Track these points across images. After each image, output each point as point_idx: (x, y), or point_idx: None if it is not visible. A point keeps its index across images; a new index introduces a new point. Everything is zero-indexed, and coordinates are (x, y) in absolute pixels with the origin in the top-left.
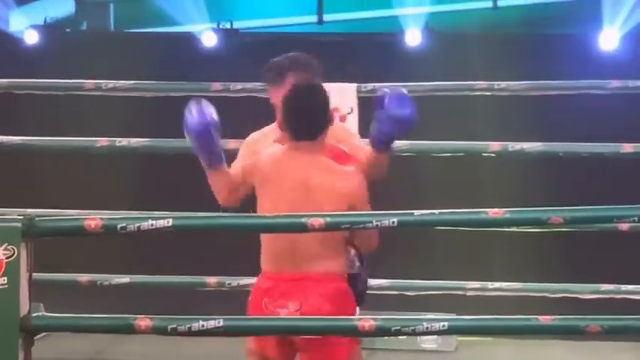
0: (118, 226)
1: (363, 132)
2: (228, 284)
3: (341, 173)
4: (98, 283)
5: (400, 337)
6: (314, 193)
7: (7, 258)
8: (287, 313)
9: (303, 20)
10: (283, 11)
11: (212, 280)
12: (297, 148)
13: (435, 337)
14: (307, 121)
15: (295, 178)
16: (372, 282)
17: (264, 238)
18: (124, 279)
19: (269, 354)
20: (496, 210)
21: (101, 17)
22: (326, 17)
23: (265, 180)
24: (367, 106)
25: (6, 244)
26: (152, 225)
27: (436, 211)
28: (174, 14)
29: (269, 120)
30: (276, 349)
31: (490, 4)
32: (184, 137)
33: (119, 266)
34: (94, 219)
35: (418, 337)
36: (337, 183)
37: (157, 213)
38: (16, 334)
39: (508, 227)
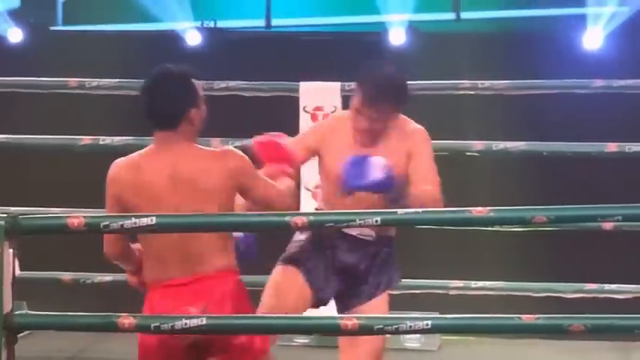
0: (101, 224)
1: None
2: None
3: (211, 154)
4: (81, 281)
5: None
6: (186, 184)
7: None
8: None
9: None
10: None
11: None
12: (159, 141)
13: (418, 335)
14: (161, 107)
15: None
16: None
17: (147, 246)
18: (107, 277)
19: None
20: (480, 209)
21: (48, 11)
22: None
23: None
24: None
25: None
26: (135, 223)
27: (419, 210)
28: (148, 10)
29: (253, 118)
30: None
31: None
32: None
33: (102, 264)
34: (77, 217)
35: (401, 336)
36: (211, 166)
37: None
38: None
39: (492, 226)
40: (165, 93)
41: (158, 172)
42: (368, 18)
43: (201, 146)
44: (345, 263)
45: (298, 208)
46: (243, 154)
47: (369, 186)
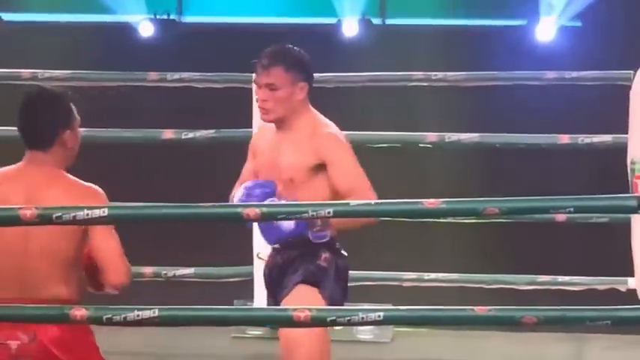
0: (54, 216)
1: None
2: (164, 274)
3: (76, 188)
4: None
5: (336, 328)
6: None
7: None
8: (20, 345)
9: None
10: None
11: (148, 270)
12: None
13: (371, 327)
14: (32, 126)
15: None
16: None
17: None
18: None
19: None
20: (432, 200)
21: None
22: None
23: None
24: None
25: None
26: (87, 215)
27: (372, 202)
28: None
29: (206, 110)
30: None
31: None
32: (119, 128)
33: None
34: (29, 208)
35: (354, 328)
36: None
37: None
38: None
39: (444, 218)
40: (37, 113)
41: (15, 192)
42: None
43: (69, 175)
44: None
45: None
46: (102, 198)
47: (285, 237)
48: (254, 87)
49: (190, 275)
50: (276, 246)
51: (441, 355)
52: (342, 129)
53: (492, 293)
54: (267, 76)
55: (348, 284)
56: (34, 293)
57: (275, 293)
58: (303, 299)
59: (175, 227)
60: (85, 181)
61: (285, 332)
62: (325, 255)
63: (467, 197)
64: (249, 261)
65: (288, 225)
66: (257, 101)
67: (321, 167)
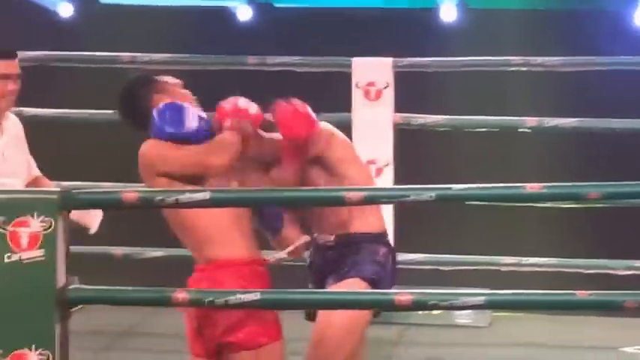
0: (156, 199)
1: (400, 107)
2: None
3: None
4: (132, 256)
5: (435, 312)
6: None
7: (44, 230)
8: None
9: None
10: None
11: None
12: None
13: (469, 312)
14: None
15: None
16: (407, 256)
17: (224, 221)
18: (158, 252)
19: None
20: (534, 185)
21: None
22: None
23: None
24: (403, 80)
25: (43, 216)
26: (190, 198)
27: (474, 186)
28: None
29: (305, 94)
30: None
31: None
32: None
33: (153, 240)
34: (131, 191)
35: (453, 313)
36: None
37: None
38: (53, 307)
39: (545, 203)
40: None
41: None
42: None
43: None
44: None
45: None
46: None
47: (184, 135)
48: (353, 70)
49: (287, 258)
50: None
51: (538, 340)
52: (440, 113)
53: (587, 278)
54: None
55: (447, 269)
56: (210, 255)
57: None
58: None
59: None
60: None
61: (321, 315)
62: (383, 250)
63: (563, 182)
64: None
65: (189, 124)
66: None
67: None
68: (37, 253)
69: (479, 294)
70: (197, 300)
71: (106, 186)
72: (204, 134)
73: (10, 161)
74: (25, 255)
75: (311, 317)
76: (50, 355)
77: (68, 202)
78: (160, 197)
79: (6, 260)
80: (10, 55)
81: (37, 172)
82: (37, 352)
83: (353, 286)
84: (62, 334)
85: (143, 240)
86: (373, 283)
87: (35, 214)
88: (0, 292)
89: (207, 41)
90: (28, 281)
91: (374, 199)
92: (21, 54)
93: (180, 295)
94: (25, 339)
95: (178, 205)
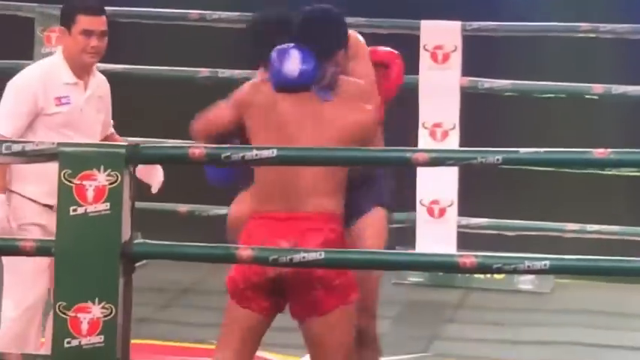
0: (222, 155)
1: (467, 71)
2: None
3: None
4: (196, 213)
5: (497, 277)
6: None
7: (110, 184)
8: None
9: None
10: None
11: None
12: None
13: (531, 278)
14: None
15: None
16: (471, 220)
17: (256, 177)
18: (222, 210)
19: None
20: (601, 150)
21: None
22: None
23: None
24: (472, 44)
25: (109, 170)
26: (256, 155)
27: (541, 150)
28: None
29: None
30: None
31: None
32: None
33: (217, 198)
34: (198, 147)
35: (515, 277)
36: None
37: None
38: (117, 261)
39: (612, 169)
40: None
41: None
42: None
43: None
44: None
45: None
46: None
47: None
48: (421, 33)
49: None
50: None
51: (600, 307)
52: (509, 78)
53: None
54: None
55: (509, 234)
56: (298, 206)
57: None
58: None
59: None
60: None
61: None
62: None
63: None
64: (411, 207)
65: (292, 72)
66: None
67: None
68: (103, 207)
69: (543, 258)
70: (262, 257)
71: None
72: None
73: (87, 119)
74: (91, 208)
75: None
76: (113, 308)
77: (135, 157)
78: (226, 153)
79: (72, 213)
80: (95, 10)
81: (111, 130)
82: (100, 305)
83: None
84: (125, 289)
85: (208, 197)
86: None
87: (102, 167)
88: (65, 245)
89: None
90: (93, 235)
91: (440, 161)
92: None
93: (245, 252)
94: (89, 292)
95: (245, 161)
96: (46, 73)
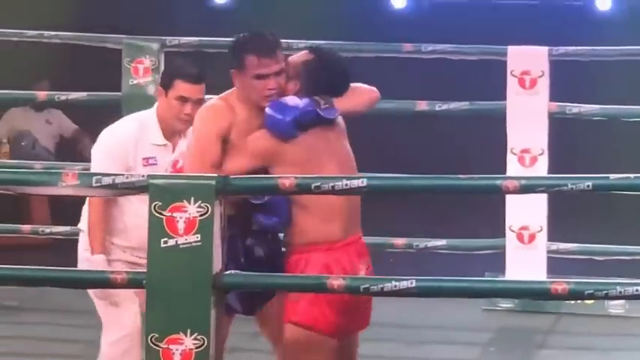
0: (312, 185)
1: (553, 96)
2: (416, 246)
3: None
4: None
5: (587, 302)
6: None
7: (200, 215)
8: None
9: None
10: None
11: (400, 241)
12: None
13: (623, 302)
14: None
15: None
16: (561, 246)
17: (311, 207)
18: None
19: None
20: None
21: None
22: None
23: None
24: (558, 69)
25: (200, 202)
26: (346, 185)
27: (632, 175)
28: None
29: (459, 82)
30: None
31: None
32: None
33: None
34: (287, 178)
35: (606, 302)
36: None
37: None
38: (209, 292)
39: None
40: None
41: None
42: None
43: None
44: None
45: None
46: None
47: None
48: (508, 58)
49: (442, 247)
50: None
51: None
52: (594, 102)
53: None
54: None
55: (600, 259)
56: (356, 229)
57: None
58: None
59: (426, 198)
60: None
61: None
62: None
63: None
64: (500, 233)
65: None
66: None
67: None
68: (194, 238)
69: (635, 283)
70: (353, 287)
71: None
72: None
73: None
74: (182, 240)
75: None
76: (205, 339)
77: (225, 188)
78: (316, 183)
79: (162, 245)
80: (194, 78)
81: None
82: (193, 336)
83: None
84: (218, 320)
85: None
86: None
87: (192, 199)
88: (156, 277)
89: (362, 28)
90: (184, 266)
91: (530, 188)
92: (178, 39)
93: (336, 281)
94: (181, 324)
95: (334, 192)
96: (139, 132)
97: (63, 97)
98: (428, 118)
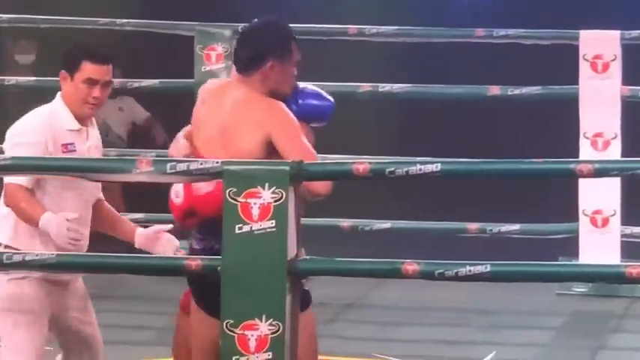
0: (387, 171)
1: (625, 79)
2: (489, 230)
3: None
4: (359, 228)
5: None
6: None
7: (275, 201)
8: None
9: None
10: None
11: (473, 226)
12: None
13: None
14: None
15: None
16: (635, 229)
17: None
18: (386, 224)
19: None
20: None
21: None
22: None
23: None
24: (632, 53)
25: (274, 188)
26: (420, 170)
27: None
28: None
29: (532, 67)
30: None
31: None
32: (444, 84)
33: (380, 212)
34: (362, 163)
35: None
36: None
37: (419, 159)
38: (284, 278)
39: None
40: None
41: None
42: None
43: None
44: None
45: None
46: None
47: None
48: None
49: (516, 231)
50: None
51: None
52: None
53: None
54: None
55: None
56: None
57: None
58: None
59: (500, 183)
60: (413, 136)
61: None
62: None
63: None
64: (574, 217)
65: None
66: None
67: None
68: (268, 224)
69: None
70: (427, 272)
71: (333, 158)
72: None
73: None
74: (257, 226)
75: None
76: (280, 325)
77: (299, 174)
78: (390, 169)
79: (237, 231)
80: (102, 58)
81: (100, 195)
82: (268, 322)
83: None
84: (292, 306)
85: (371, 211)
86: None
87: (266, 185)
88: (231, 263)
89: (433, 13)
90: (259, 252)
91: (604, 172)
92: None
93: (410, 266)
94: (256, 309)
95: (408, 176)
96: (52, 118)
97: (135, 85)
98: (500, 103)
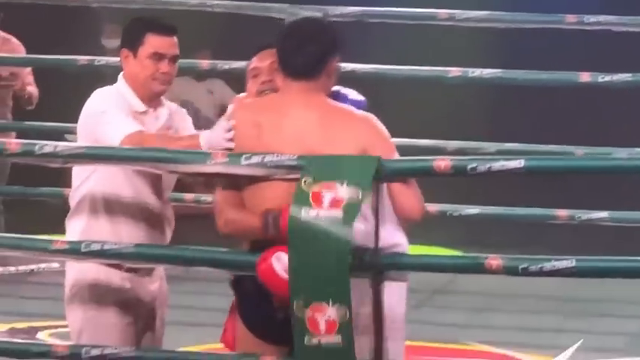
0: (468, 167)
1: None
2: (578, 217)
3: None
4: (448, 213)
5: None
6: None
7: (350, 195)
8: None
9: None
10: None
11: (563, 213)
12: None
13: None
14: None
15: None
16: None
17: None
18: (474, 210)
19: None
20: None
21: None
22: None
23: None
24: None
25: (351, 183)
26: (503, 166)
27: None
28: None
29: (623, 53)
30: None
31: None
32: (533, 69)
33: (469, 197)
34: (443, 160)
35: None
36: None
37: (508, 144)
38: (346, 266)
39: None
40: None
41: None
42: None
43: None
44: None
45: None
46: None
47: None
48: None
49: (605, 219)
50: None
51: None
52: None
53: None
54: None
55: None
56: None
57: None
58: None
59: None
60: (501, 122)
61: None
62: None
63: None
64: None
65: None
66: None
67: None
68: (337, 212)
69: None
70: (511, 267)
71: (422, 144)
72: None
73: None
74: (324, 212)
75: None
76: (347, 311)
77: (380, 171)
78: (472, 165)
79: (304, 215)
80: (166, 31)
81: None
82: (335, 306)
83: None
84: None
85: (459, 197)
86: None
87: (345, 181)
88: (299, 245)
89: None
90: (326, 238)
91: None
92: (340, 9)
93: (494, 261)
94: (324, 293)
95: (491, 173)
96: (118, 99)
97: (225, 67)
98: (591, 90)
